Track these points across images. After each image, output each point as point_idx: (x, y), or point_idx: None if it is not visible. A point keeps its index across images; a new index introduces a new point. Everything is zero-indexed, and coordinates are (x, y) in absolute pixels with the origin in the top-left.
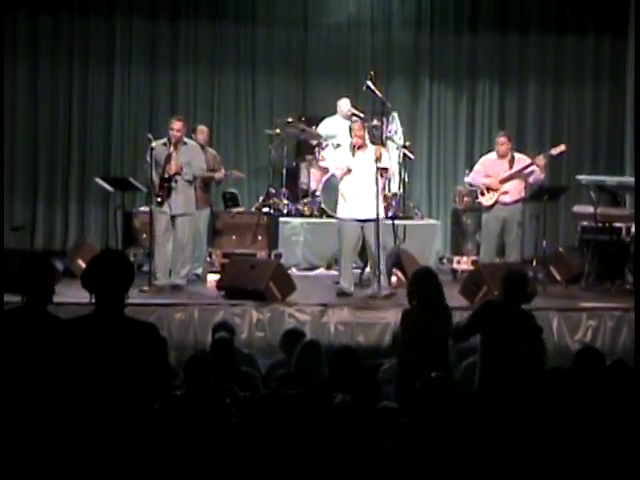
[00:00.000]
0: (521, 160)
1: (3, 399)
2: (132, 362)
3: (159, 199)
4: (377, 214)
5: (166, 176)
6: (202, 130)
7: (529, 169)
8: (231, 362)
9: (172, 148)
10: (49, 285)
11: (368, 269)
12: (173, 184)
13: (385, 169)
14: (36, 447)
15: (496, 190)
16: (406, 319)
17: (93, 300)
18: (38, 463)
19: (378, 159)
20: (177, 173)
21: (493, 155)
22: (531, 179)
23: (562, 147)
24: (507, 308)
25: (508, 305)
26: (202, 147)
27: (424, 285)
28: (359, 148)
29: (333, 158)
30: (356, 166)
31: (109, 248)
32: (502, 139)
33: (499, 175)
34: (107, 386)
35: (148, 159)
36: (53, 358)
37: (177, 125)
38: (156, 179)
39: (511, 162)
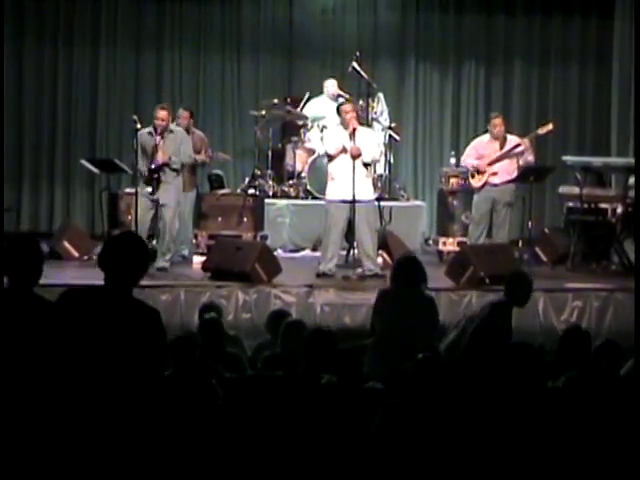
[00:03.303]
0: (512, 141)
1: None
2: (130, 340)
3: (150, 189)
4: (353, 195)
5: (153, 167)
6: (183, 115)
7: (518, 149)
8: (218, 343)
9: (159, 138)
10: (36, 267)
11: (355, 250)
12: (162, 174)
13: (369, 164)
14: (28, 428)
15: (485, 172)
16: (381, 299)
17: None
18: (31, 442)
19: (355, 157)
20: (165, 164)
21: (486, 137)
22: (521, 161)
23: (549, 126)
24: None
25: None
26: (187, 131)
27: (404, 271)
28: (354, 130)
29: (329, 137)
30: (347, 147)
31: (130, 231)
32: (497, 121)
33: (490, 157)
34: (102, 359)
35: (134, 144)
36: (48, 328)
37: (161, 114)
38: (142, 167)
39: (502, 144)
